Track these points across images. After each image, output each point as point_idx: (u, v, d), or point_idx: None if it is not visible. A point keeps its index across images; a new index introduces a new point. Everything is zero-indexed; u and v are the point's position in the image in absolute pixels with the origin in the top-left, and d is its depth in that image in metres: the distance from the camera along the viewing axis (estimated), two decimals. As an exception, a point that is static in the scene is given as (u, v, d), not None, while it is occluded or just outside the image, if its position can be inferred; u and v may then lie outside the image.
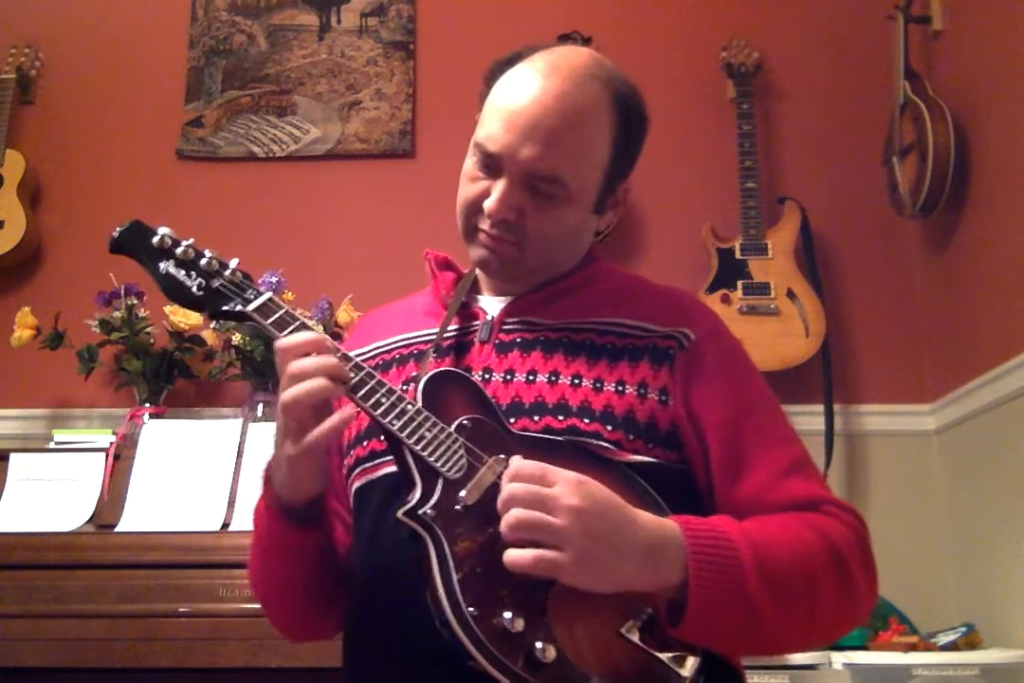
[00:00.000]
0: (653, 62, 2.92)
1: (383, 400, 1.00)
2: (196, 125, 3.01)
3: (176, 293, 1.04)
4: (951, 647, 2.19)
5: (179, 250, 1.05)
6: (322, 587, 1.15)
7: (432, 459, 0.98)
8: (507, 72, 1.16)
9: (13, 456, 2.30)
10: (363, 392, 1.00)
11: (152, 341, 2.60)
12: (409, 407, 1.00)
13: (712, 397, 1.11)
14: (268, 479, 1.09)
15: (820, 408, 2.65)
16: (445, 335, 1.18)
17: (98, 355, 2.62)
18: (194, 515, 2.13)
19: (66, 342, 2.61)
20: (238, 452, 2.24)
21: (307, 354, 1.00)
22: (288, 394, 0.99)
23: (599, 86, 1.13)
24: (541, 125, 1.09)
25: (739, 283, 2.68)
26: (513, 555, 0.89)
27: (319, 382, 0.98)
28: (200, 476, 2.21)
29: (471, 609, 0.89)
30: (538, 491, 0.91)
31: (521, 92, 1.11)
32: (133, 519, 2.14)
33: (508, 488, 0.92)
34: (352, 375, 1.01)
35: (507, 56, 1.18)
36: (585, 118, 1.11)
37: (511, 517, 0.90)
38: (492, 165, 1.12)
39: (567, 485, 0.92)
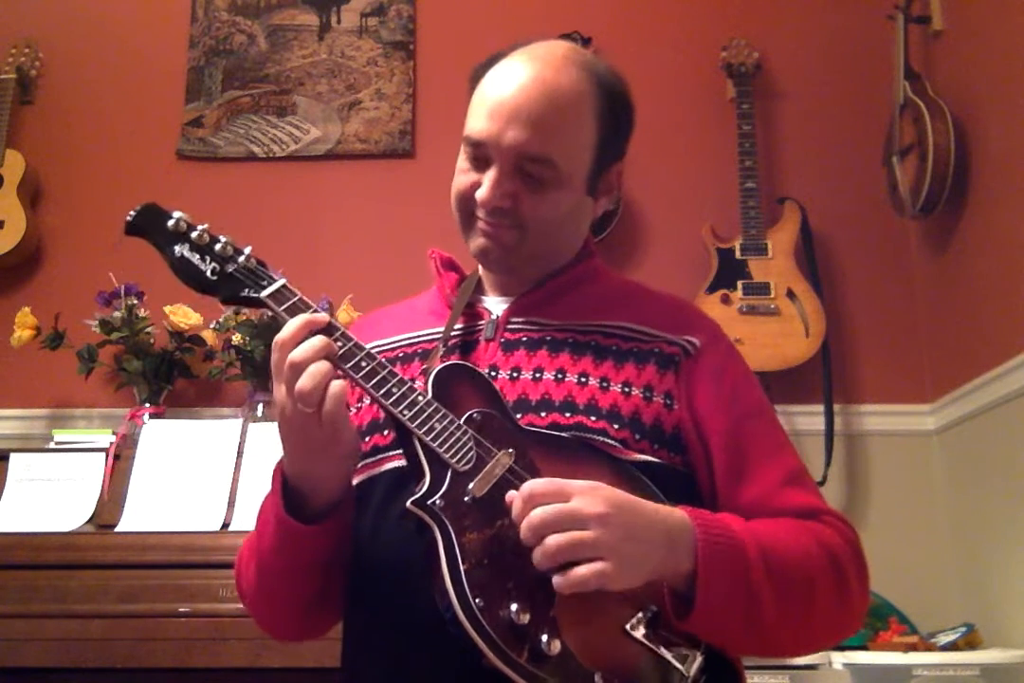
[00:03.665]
0: (653, 62, 2.92)
1: (394, 390, 0.99)
2: (196, 125, 3.01)
3: (190, 277, 1.03)
4: (951, 647, 2.19)
5: (194, 234, 1.04)
6: (323, 590, 1.14)
7: (442, 450, 0.98)
8: (490, 70, 1.18)
9: (13, 456, 2.30)
10: (374, 381, 1.00)
11: (152, 341, 2.60)
12: (420, 398, 1.00)
13: (715, 404, 1.13)
14: (282, 482, 1.06)
15: (820, 408, 2.65)
16: (451, 334, 1.18)
17: (98, 355, 2.62)
18: (194, 515, 2.13)
19: (66, 342, 2.61)
20: (238, 452, 2.25)
21: (304, 340, 0.99)
22: (304, 383, 0.96)
23: (578, 70, 1.15)
24: (523, 109, 1.11)
25: (739, 283, 2.68)
26: (566, 582, 0.89)
27: (323, 363, 0.97)
28: (200, 476, 2.21)
29: (477, 600, 0.89)
30: (561, 510, 0.91)
31: (502, 83, 1.14)
32: (133, 519, 2.14)
33: (532, 515, 0.91)
34: (364, 365, 1.00)
35: (489, 57, 1.20)
36: (567, 99, 1.13)
37: (549, 545, 0.90)
38: (481, 156, 1.14)
39: (585, 494, 0.92)
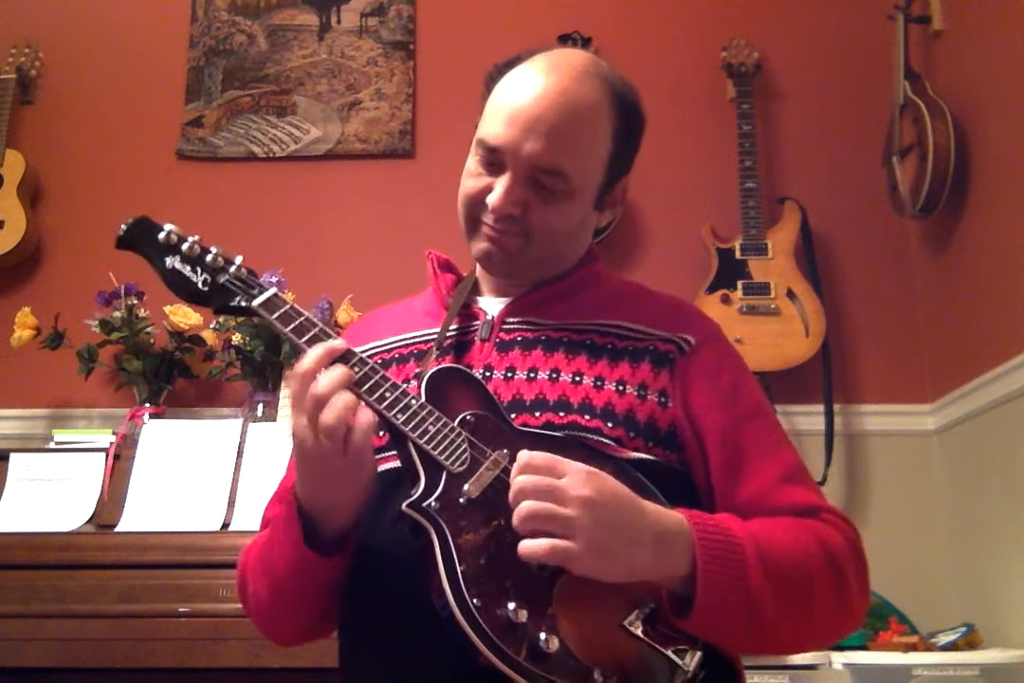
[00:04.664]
0: (653, 62, 2.93)
1: (387, 394, 1.00)
2: (196, 125, 3.01)
3: (181, 288, 1.04)
4: (951, 647, 2.19)
5: (185, 246, 1.04)
6: (333, 604, 1.14)
7: (436, 453, 0.98)
8: (508, 73, 1.17)
9: (13, 456, 2.30)
10: (367, 386, 1.00)
11: (152, 341, 2.60)
12: (413, 402, 1.00)
13: (711, 402, 1.13)
14: (298, 511, 1.05)
15: (820, 408, 2.65)
16: (446, 335, 1.18)
17: (98, 355, 2.62)
18: (194, 515, 2.13)
19: (66, 342, 2.61)
20: (238, 452, 2.24)
21: (322, 369, 0.98)
22: (329, 417, 0.95)
23: (598, 83, 1.15)
24: (543, 120, 1.10)
25: (739, 283, 2.68)
26: (526, 546, 0.90)
27: (347, 395, 0.97)
28: (200, 476, 2.20)
29: (475, 600, 0.89)
30: (548, 482, 0.92)
31: (522, 90, 1.13)
32: (133, 519, 2.14)
33: (519, 480, 0.92)
34: (356, 370, 1.00)
35: (507, 59, 1.20)
36: (586, 113, 1.13)
37: (522, 509, 0.91)
38: (495, 162, 1.14)
39: (577, 476, 0.93)
